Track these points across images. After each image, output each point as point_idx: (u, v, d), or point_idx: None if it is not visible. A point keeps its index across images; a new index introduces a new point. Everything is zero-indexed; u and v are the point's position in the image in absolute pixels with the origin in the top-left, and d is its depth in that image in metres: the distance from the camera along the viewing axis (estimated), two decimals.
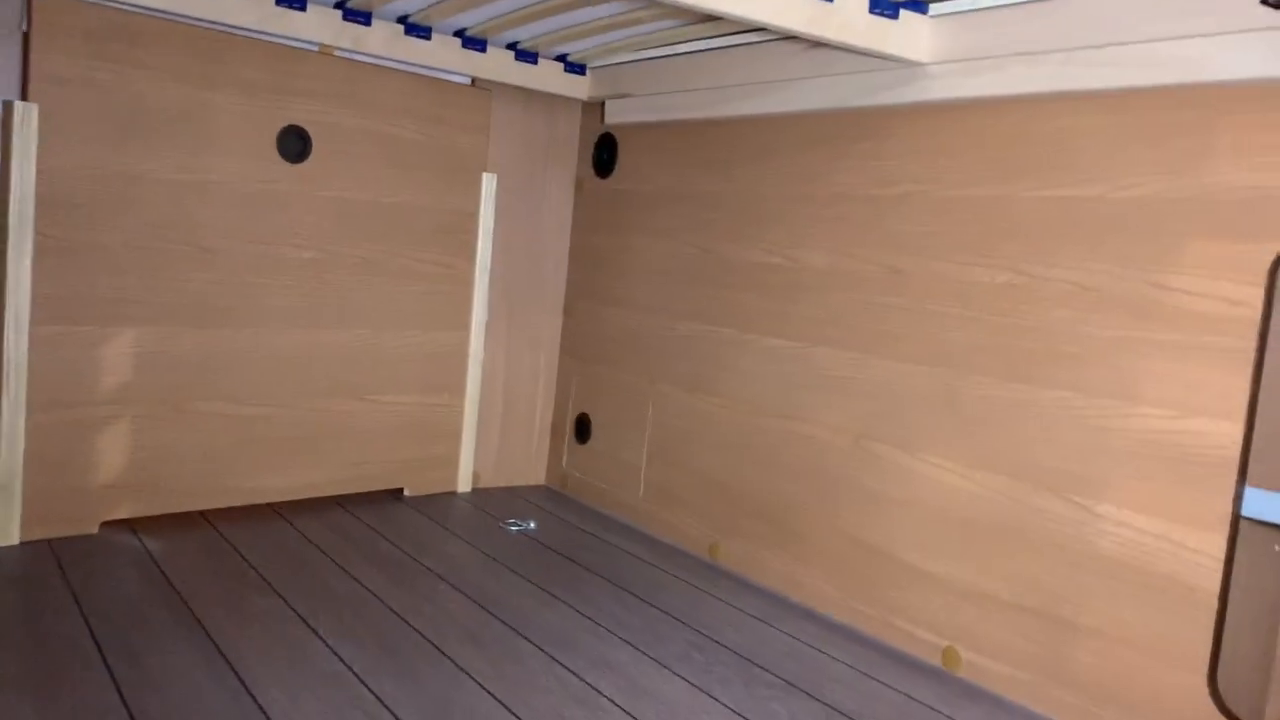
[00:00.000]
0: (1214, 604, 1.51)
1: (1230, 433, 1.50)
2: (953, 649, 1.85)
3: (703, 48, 2.34)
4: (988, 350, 1.81)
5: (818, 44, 2.04)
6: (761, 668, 1.80)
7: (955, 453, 1.86)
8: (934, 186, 1.91)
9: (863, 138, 2.05)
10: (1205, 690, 1.51)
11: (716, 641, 1.90)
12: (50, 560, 1.97)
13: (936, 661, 1.87)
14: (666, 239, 2.53)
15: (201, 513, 2.35)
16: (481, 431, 2.80)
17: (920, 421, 1.92)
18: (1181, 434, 1.55)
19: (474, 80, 2.62)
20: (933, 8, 1.84)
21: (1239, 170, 1.49)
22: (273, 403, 2.39)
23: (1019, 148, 1.78)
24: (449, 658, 1.71)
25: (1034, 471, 1.74)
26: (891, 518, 1.97)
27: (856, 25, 1.77)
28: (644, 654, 1.81)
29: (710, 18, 2.06)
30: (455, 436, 2.73)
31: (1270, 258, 1.45)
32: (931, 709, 1.70)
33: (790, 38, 2.10)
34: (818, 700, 1.69)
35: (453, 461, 2.74)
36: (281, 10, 2.18)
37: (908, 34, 1.83)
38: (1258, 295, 1.46)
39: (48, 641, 1.63)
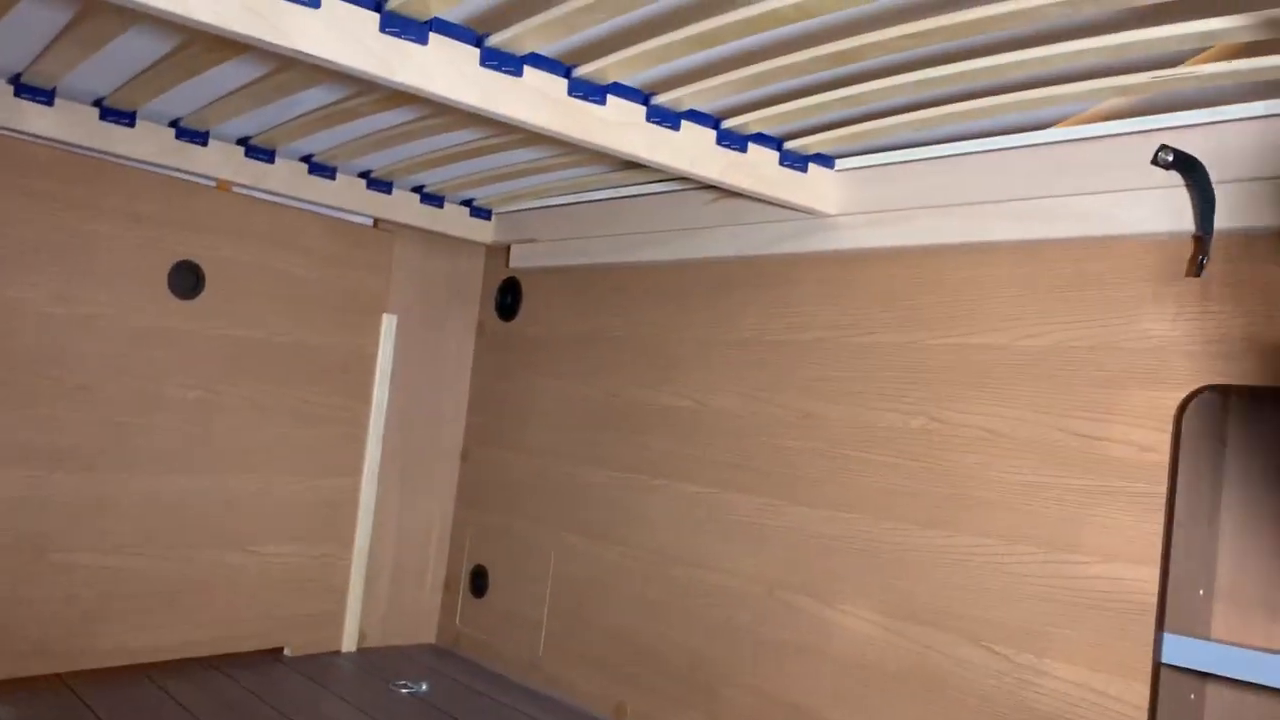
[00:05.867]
0: None
1: (1148, 578, 1.50)
2: None
3: (609, 196, 2.36)
4: (904, 496, 1.80)
5: (726, 194, 2.08)
6: None
7: (874, 602, 1.82)
8: (845, 333, 1.93)
9: (773, 284, 2.07)
10: None
11: None
12: None
13: None
14: (571, 383, 2.49)
15: (61, 675, 2.12)
16: (369, 586, 2.63)
17: (836, 569, 1.88)
18: (1100, 580, 1.55)
19: (376, 221, 2.58)
20: (839, 162, 1.90)
21: (1146, 320, 1.55)
22: (145, 553, 2.20)
23: (928, 295, 1.82)
24: None
25: (954, 620, 1.71)
26: (809, 672, 1.90)
27: (769, 176, 1.82)
28: None
29: (627, 165, 2.09)
30: (341, 591, 2.57)
31: (1175, 405, 1.49)
32: None
33: (700, 187, 2.14)
34: None
35: (338, 618, 2.57)
36: (181, 144, 2.12)
37: (816, 186, 1.89)
38: (1165, 441, 1.50)
39: None
